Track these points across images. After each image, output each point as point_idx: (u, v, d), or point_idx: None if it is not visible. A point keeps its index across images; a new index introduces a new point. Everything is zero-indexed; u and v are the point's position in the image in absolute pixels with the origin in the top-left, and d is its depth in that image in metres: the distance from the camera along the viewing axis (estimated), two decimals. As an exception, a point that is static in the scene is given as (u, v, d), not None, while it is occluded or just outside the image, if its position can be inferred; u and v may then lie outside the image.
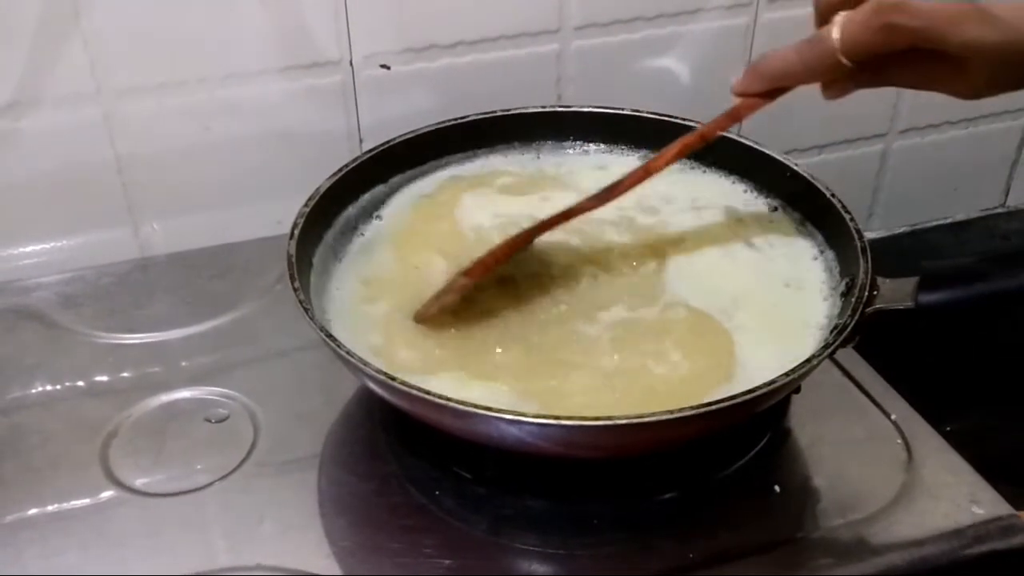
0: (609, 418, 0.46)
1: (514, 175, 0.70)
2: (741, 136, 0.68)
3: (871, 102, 0.91)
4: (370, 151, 0.66)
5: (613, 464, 0.55)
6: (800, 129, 0.88)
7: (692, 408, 0.47)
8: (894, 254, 0.96)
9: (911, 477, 0.55)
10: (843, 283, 0.58)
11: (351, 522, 0.54)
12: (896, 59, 0.49)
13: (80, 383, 0.62)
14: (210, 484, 0.56)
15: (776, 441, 0.58)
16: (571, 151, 0.72)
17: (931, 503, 0.54)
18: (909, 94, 0.89)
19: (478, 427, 0.49)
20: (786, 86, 0.53)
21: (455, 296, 0.57)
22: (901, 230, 0.99)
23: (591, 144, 0.72)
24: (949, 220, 1.01)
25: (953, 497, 0.54)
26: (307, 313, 0.53)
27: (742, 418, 0.51)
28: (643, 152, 0.70)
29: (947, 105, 0.51)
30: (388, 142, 0.67)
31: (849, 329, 0.51)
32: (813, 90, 0.53)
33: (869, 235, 0.63)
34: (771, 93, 0.54)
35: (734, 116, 0.55)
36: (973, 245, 0.98)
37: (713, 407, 0.47)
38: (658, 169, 0.58)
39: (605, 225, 0.65)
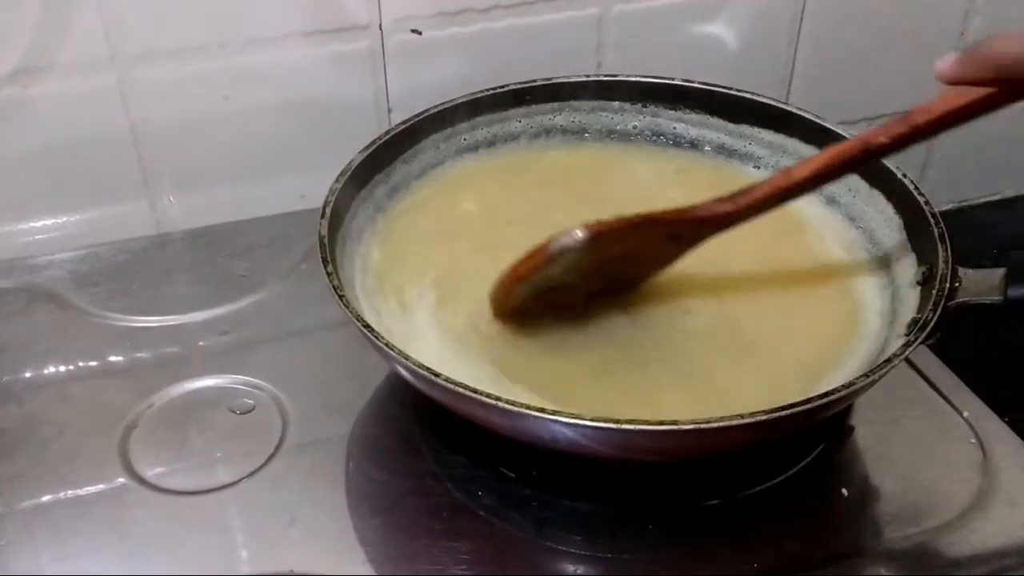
0: (673, 422, 0.43)
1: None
2: (803, 110, 0.63)
3: (922, 70, 0.87)
4: (404, 123, 0.62)
5: (670, 466, 0.51)
6: (847, 100, 0.84)
7: (764, 412, 0.43)
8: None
9: (987, 480, 0.52)
10: (920, 272, 0.54)
11: (385, 523, 0.51)
12: None
13: (96, 370, 0.59)
14: (236, 482, 0.52)
15: (839, 441, 0.54)
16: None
17: (1009, 510, 0.50)
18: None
19: (529, 428, 0.45)
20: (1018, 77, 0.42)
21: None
22: (948, 207, 0.94)
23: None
24: (998, 196, 0.96)
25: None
26: (342, 301, 0.49)
27: (815, 421, 0.48)
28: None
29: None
30: (421, 113, 0.63)
31: (931, 325, 0.47)
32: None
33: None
34: (992, 84, 0.44)
35: (917, 124, 0.46)
36: (1025, 223, 0.94)
37: (785, 411, 0.43)
38: (801, 179, 0.50)
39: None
